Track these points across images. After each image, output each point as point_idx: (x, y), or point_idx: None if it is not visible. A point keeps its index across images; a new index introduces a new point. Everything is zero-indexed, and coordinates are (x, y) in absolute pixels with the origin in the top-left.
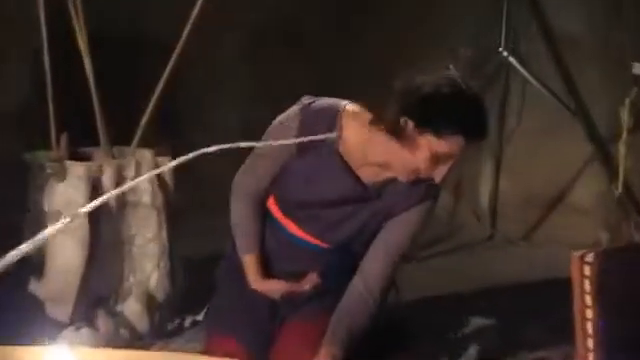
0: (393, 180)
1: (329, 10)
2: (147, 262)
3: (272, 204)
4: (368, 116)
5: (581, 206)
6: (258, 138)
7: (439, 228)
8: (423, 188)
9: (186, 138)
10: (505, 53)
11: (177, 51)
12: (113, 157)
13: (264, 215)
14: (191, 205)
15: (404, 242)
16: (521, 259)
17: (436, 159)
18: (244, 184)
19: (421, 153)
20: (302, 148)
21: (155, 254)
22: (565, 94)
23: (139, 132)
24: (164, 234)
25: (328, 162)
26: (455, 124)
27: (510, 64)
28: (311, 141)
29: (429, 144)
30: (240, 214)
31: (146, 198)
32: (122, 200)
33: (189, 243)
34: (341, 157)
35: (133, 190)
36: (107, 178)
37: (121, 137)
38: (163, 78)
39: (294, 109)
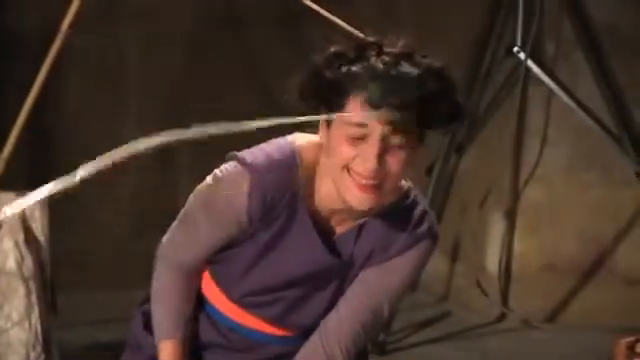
0: (368, 226)
1: None
2: (11, 354)
3: (209, 288)
4: (317, 147)
5: (629, 274)
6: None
7: (431, 304)
8: (414, 225)
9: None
10: (522, 55)
11: (51, 56)
12: None
13: (195, 293)
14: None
15: (385, 297)
16: (543, 347)
17: (351, 142)
18: (173, 253)
19: (336, 142)
20: (261, 217)
21: (22, 342)
22: (606, 112)
23: None
24: (35, 315)
25: (298, 225)
26: (346, 89)
27: (529, 70)
28: (273, 204)
29: (337, 128)
30: (163, 283)
31: (10, 264)
32: None
33: (72, 327)
34: (310, 210)
35: None
36: None
37: None
38: (32, 94)
39: (234, 179)
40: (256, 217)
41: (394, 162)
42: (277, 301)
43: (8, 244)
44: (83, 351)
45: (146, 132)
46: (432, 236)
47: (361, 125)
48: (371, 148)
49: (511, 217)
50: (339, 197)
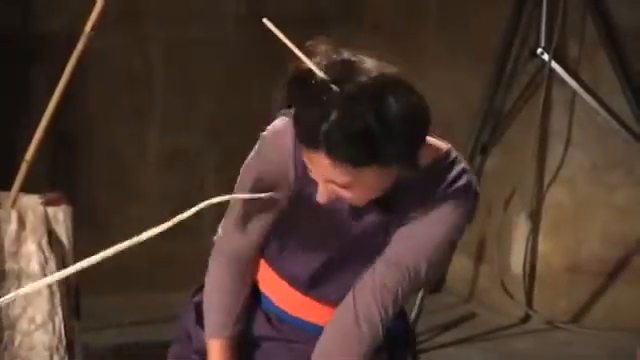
0: (406, 186)
1: None
2: (34, 357)
3: (263, 274)
4: None
5: None
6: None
7: (455, 305)
8: (451, 181)
9: (86, 179)
10: (545, 56)
11: (75, 57)
12: None
13: (249, 289)
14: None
15: (423, 254)
16: (568, 349)
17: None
18: (227, 242)
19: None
20: (301, 174)
21: (45, 345)
22: (629, 113)
23: (22, 172)
24: (58, 318)
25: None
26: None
27: (553, 71)
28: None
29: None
30: (215, 279)
31: (34, 266)
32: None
33: (96, 330)
34: None
35: (15, 255)
36: None
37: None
38: (54, 97)
39: (281, 124)
40: (302, 161)
41: (355, 191)
42: (325, 269)
43: (32, 246)
44: (106, 354)
45: (169, 136)
46: (470, 192)
47: (309, 167)
48: (321, 190)
49: (535, 218)
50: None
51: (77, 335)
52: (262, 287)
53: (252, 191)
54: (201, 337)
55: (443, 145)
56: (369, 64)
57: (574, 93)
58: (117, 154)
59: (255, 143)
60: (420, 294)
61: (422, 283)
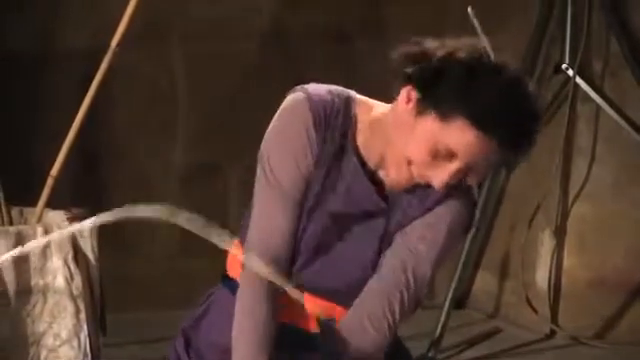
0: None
1: None
2: None
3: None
4: (375, 106)
5: None
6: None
7: (480, 321)
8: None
9: (110, 194)
10: (570, 72)
11: (100, 73)
12: (11, 222)
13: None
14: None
15: (426, 256)
16: None
17: (434, 154)
18: (257, 242)
19: (417, 138)
20: (319, 157)
21: None
22: None
23: (47, 188)
24: (84, 334)
25: (347, 165)
26: (462, 101)
27: (577, 87)
28: (326, 130)
29: (429, 127)
30: (247, 304)
31: (59, 282)
32: (25, 284)
33: (121, 345)
34: (360, 157)
35: (40, 271)
36: (2, 252)
37: (22, 194)
38: (80, 113)
39: (296, 100)
40: (321, 128)
41: (445, 173)
42: (322, 253)
43: (57, 262)
44: None
45: (193, 151)
46: (468, 193)
47: (453, 153)
48: (446, 174)
49: (560, 234)
50: (382, 163)
51: (102, 350)
52: None
53: (277, 159)
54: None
55: None
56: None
57: (598, 108)
58: (141, 170)
59: None
60: (444, 310)
61: (427, 284)
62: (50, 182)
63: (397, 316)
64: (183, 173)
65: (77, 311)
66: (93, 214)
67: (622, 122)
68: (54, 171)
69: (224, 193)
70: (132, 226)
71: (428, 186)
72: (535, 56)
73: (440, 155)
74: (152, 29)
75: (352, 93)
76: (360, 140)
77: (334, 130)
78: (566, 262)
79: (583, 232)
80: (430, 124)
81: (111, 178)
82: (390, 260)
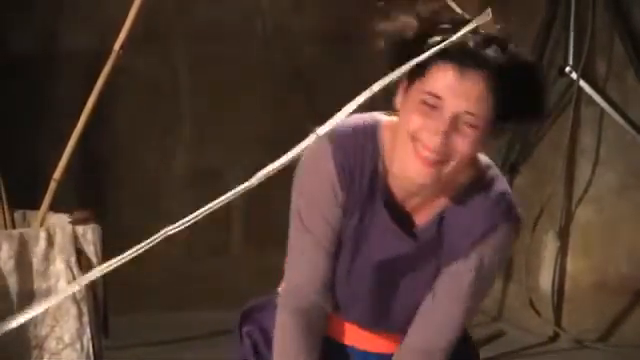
0: (449, 212)
1: None
2: None
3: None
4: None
5: None
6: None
7: (484, 324)
8: (489, 209)
9: (114, 197)
10: (574, 75)
11: (103, 76)
12: (13, 225)
13: (320, 346)
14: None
15: (473, 287)
16: None
17: (423, 111)
18: (293, 291)
19: (408, 108)
20: (350, 183)
21: None
22: None
23: (50, 191)
24: (86, 337)
25: (377, 210)
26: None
27: (581, 90)
28: (352, 182)
29: (414, 92)
30: (283, 337)
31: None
32: (27, 287)
33: (124, 349)
34: (389, 193)
35: (43, 274)
36: (5, 255)
37: (25, 197)
38: (83, 115)
39: (320, 153)
40: (347, 181)
41: (461, 141)
42: (369, 296)
43: (60, 266)
44: None
45: (197, 153)
46: (512, 218)
47: (437, 96)
48: (439, 122)
49: (564, 237)
50: (403, 167)
51: (105, 353)
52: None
53: (306, 213)
54: None
55: (480, 163)
56: None
57: (602, 111)
58: (145, 172)
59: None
60: None
61: (475, 312)
62: (53, 186)
63: (453, 341)
64: (186, 175)
65: (80, 314)
66: (96, 216)
67: (626, 125)
68: (57, 174)
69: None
70: (133, 229)
71: (473, 212)
72: (539, 59)
73: (428, 106)
74: (155, 31)
75: (379, 118)
76: (388, 170)
77: (362, 176)
78: (570, 265)
79: (587, 235)
80: (414, 89)
81: (115, 180)
82: (440, 295)
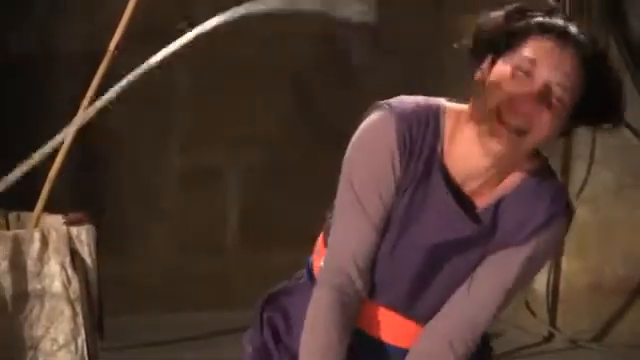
0: (507, 199)
1: None
2: None
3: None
4: (464, 110)
5: None
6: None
7: None
8: (548, 202)
9: (108, 198)
10: None
11: (98, 76)
12: (7, 227)
13: (353, 327)
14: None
15: (519, 278)
16: None
17: (515, 77)
18: (335, 263)
19: (494, 80)
20: (401, 184)
21: None
22: None
23: (45, 192)
24: (81, 338)
25: (435, 185)
26: (530, 25)
27: None
28: (411, 157)
29: (501, 66)
30: (320, 319)
31: (57, 286)
32: (22, 288)
33: (119, 350)
34: (447, 174)
35: (37, 275)
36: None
37: (19, 198)
38: (78, 116)
39: (381, 119)
40: (406, 155)
41: (545, 115)
42: (410, 278)
43: (54, 267)
44: None
45: (192, 154)
46: (568, 213)
47: (532, 61)
48: (531, 87)
49: None
50: (468, 150)
51: (100, 354)
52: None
53: (360, 186)
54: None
55: (541, 155)
56: None
57: None
58: (140, 173)
59: (277, 160)
60: None
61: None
62: (47, 187)
63: (478, 339)
64: (182, 176)
65: (74, 315)
66: (91, 217)
67: (630, 134)
68: (51, 175)
69: (223, 194)
70: (130, 230)
71: (530, 204)
72: None
73: (521, 72)
74: (151, 31)
75: (442, 102)
76: (447, 152)
77: (420, 153)
78: (565, 266)
79: (582, 236)
80: (504, 61)
81: (110, 182)
82: (484, 283)
